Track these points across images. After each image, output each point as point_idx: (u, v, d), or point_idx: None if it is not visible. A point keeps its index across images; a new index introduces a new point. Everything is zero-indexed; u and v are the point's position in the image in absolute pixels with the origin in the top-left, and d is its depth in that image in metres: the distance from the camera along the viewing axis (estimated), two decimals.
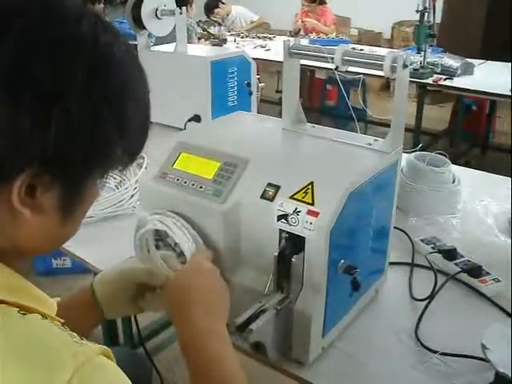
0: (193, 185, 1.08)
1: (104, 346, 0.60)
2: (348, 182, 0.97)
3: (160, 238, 1.09)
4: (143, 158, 2.01)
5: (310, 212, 0.95)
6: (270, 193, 1.01)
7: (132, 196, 1.73)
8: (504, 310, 1.23)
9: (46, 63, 0.52)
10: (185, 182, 1.09)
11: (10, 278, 0.60)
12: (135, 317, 1.23)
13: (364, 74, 2.29)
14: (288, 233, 0.98)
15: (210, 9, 6.08)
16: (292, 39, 1.19)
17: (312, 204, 0.96)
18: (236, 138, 1.20)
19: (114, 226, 1.58)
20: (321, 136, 1.21)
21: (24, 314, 0.57)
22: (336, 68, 1.11)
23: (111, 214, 1.62)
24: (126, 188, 1.75)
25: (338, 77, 1.14)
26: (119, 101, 0.60)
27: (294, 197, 0.98)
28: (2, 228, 0.59)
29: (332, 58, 1.09)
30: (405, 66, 1.05)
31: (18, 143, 0.52)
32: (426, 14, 3.55)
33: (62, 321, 0.64)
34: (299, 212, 0.96)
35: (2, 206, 0.56)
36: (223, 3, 6.18)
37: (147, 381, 1.45)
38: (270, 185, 1.01)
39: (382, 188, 1.13)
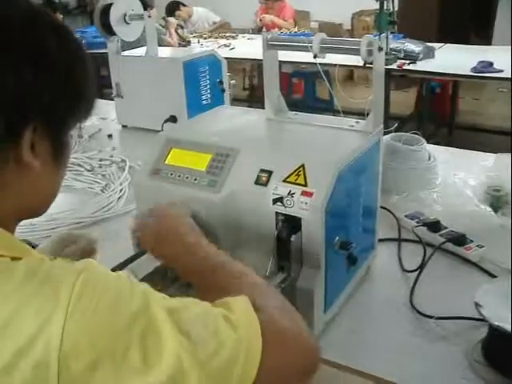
0: (187, 178, 1.11)
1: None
2: (337, 161, 1.02)
3: None
4: (125, 161, 2.03)
5: (304, 193, 0.99)
6: (264, 178, 1.05)
7: (119, 198, 1.75)
8: (489, 273, 1.30)
9: (28, 32, 0.64)
10: (179, 176, 1.12)
11: (11, 240, 0.65)
12: None
13: (331, 64, 2.33)
14: (284, 215, 1.02)
15: (171, 11, 6.08)
16: (254, 36, 1.23)
17: (305, 185, 1.01)
18: (224, 130, 1.24)
19: (105, 229, 1.60)
20: (304, 122, 1.26)
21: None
22: (315, 56, 1.15)
23: (101, 217, 1.64)
24: (113, 190, 1.78)
25: (318, 65, 1.18)
26: (80, 62, 0.71)
27: (287, 180, 1.03)
28: (7, 186, 0.65)
29: (311, 47, 1.14)
30: (380, 49, 1.10)
31: (22, 97, 0.61)
32: (385, 1, 3.64)
33: None
34: (293, 194, 1.00)
35: (11, 164, 0.63)
36: (184, 5, 6.19)
37: None
38: (262, 171, 1.05)
39: (368, 167, 1.18)
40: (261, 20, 5.93)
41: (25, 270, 0.58)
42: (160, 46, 2.51)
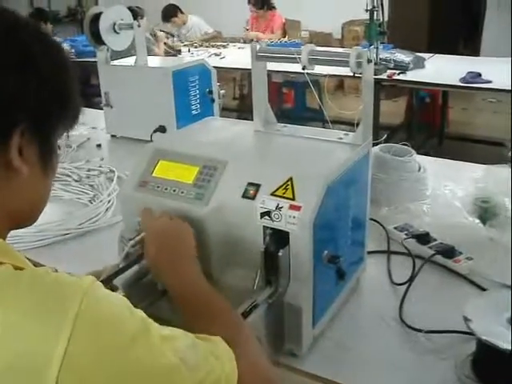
0: (174, 191, 1.10)
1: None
2: (325, 175, 1.02)
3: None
4: (113, 171, 2.02)
5: (292, 207, 0.99)
6: (251, 192, 1.04)
7: (107, 210, 1.74)
8: (478, 286, 1.29)
9: (13, 40, 0.66)
10: (165, 189, 1.11)
11: (3, 246, 0.66)
12: None
13: (320, 74, 2.34)
14: (272, 229, 1.01)
15: (167, 16, 6.07)
16: (245, 45, 1.23)
17: (293, 199, 1.00)
18: (212, 142, 1.23)
19: (93, 240, 1.58)
20: (293, 134, 1.25)
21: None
22: (303, 68, 1.15)
23: (88, 228, 1.62)
24: (101, 201, 1.76)
25: (307, 76, 1.18)
26: (64, 69, 0.73)
27: (275, 193, 1.02)
28: None
29: (300, 58, 1.13)
30: (369, 61, 1.10)
31: (9, 101, 0.63)
32: (375, 12, 3.66)
33: None
34: (281, 208, 0.99)
35: (0, 169, 0.65)
36: (182, 12, 6.20)
37: None
38: (250, 184, 1.05)
39: (357, 179, 1.17)
40: (247, 32, 5.96)
41: (30, 281, 0.60)
42: (149, 55, 2.50)
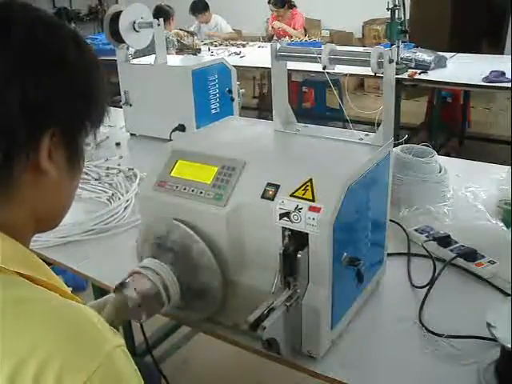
0: (192, 191, 1.09)
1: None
2: (346, 176, 1.00)
3: (159, 243, 1.11)
4: (132, 169, 2.02)
5: (311, 208, 0.97)
6: (270, 192, 1.03)
7: (125, 208, 1.74)
8: (501, 290, 1.26)
9: (52, 40, 0.66)
10: (184, 189, 1.10)
11: (26, 254, 0.66)
12: (141, 326, 1.24)
13: (341, 73, 2.32)
14: (291, 230, 1.00)
15: (197, 10, 6.09)
16: (265, 44, 1.22)
17: (313, 200, 0.98)
18: (231, 142, 1.22)
19: (111, 240, 1.58)
20: (313, 134, 1.24)
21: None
22: (324, 68, 1.13)
23: (106, 227, 1.63)
24: (119, 199, 1.76)
25: (327, 76, 1.16)
26: (95, 70, 0.73)
27: (295, 194, 1.00)
28: (24, 195, 0.66)
29: (320, 58, 1.12)
30: (391, 61, 1.08)
31: (42, 104, 0.63)
32: (397, 10, 3.62)
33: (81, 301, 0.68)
34: (301, 209, 0.98)
35: (28, 171, 0.65)
36: (209, 10, 6.22)
37: None
38: (269, 184, 1.03)
39: (377, 180, 1.16)
40: (272, 27, 5.94)
41: (49, 316, 0.59)
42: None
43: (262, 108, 6.09)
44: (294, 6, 6.05)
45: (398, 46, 3.73)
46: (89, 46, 0.74)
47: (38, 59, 0.64)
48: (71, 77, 0.67)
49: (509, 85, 3.56)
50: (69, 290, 0.71)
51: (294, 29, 5.89)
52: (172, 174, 1.14)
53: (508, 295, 1.23)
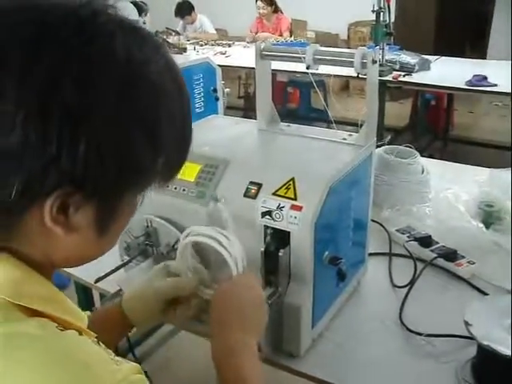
0: (175, 188, 1.09)
1: (135, 364, 0.61)
2: (328, 175, 1.01)
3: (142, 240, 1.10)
4: None
5: (293, 207, 0.98)
6: (253, 191, 1.03)
7: None
8: (480, 290, 1.28)
9: (74, 85, 0.51)
10: (167, 186, 1.10)
11: (45, 289, 0.61)
12: None
13: (325, 74, 2.33)
14: (273, 228, 1.00)
15: (183, 12, 6.06)
16: (250, 44, 1.22)
17: (295, 199, 0.99)
18: (214, 141, 1.22)
19: None
20: (296, 134, 1.24)
21: (62, 330, 0.57)
22: (308, 67, 1.14)
23: None
24: None
25: (311, 76, 1.17)
26: (151, 119, 0.58)
27: (277, 193, 1.01)
28: (35, 244, 0.59)
29: (304, 58, 1.12)
30: (374, 62, 1.09)
31: (47, 164, 0.51)
32: (382, 13, 3.64)
33: (95, 335, 0.64)
34: (283, 207, 0.99)
35: (35, 224, 0.56)
36: (194, 11, 6.20)
37: None
38: (251, 183, 1.04)
39: (359, 180, 1.17)
40: (256, 35, 5.93)
41: (54, 355, 0.54)
42: None
43: (247, 108, 6.08)
44: (280, 11, 6.06)
45: (383, 48, 3.76)
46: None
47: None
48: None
49: (491, 89, 3.60)
50: (85, 317, 0.66)
51: (280, 34, 5.90)
52: None
53: (486, 294, 1.25)
